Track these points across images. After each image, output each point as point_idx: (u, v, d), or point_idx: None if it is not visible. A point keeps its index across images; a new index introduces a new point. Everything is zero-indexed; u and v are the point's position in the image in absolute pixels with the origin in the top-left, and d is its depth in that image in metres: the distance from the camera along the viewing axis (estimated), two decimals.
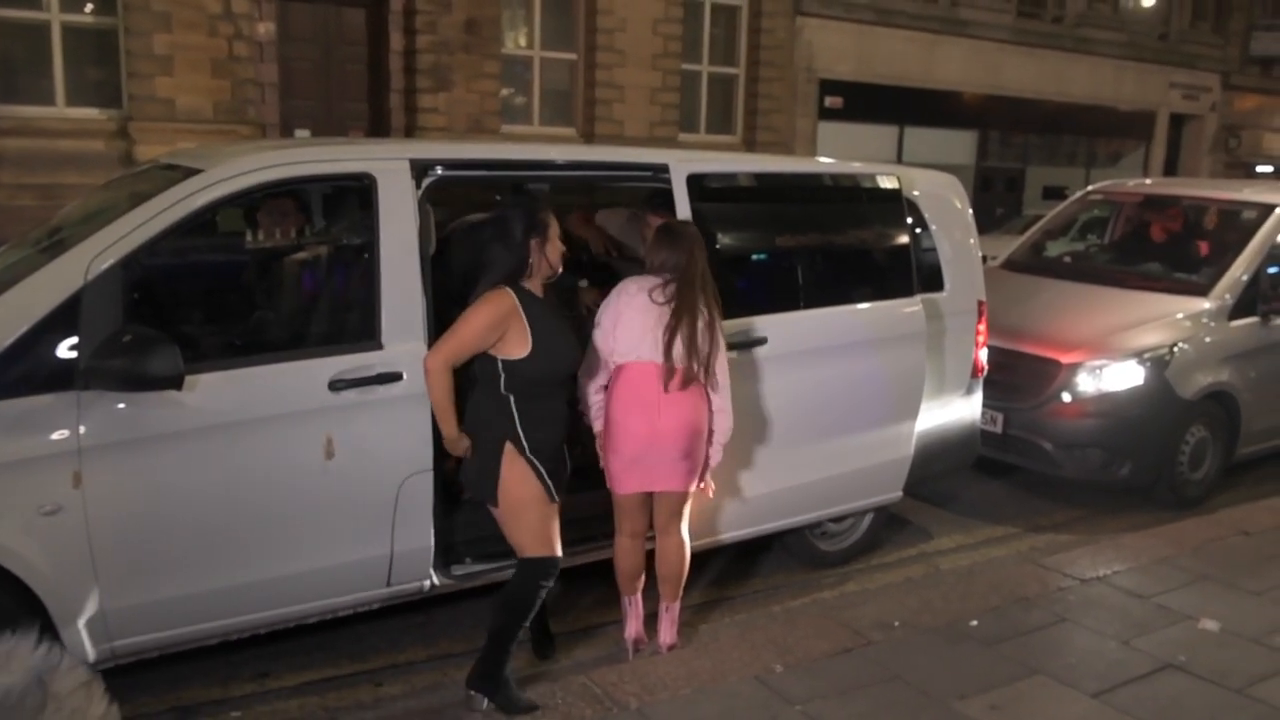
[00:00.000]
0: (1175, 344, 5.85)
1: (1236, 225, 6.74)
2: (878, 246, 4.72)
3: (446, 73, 11.71)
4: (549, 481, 3.41)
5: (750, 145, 14.78)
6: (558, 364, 3.45)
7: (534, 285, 3.44)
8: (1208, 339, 6.01)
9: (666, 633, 3.90)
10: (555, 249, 3.46)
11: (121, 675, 3.20)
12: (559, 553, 3.48)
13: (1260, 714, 3.58)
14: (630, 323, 3.64)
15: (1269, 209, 6.61)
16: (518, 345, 3.32)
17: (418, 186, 3.61)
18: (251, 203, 3.70)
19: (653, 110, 13.57)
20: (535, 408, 3.40)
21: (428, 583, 3.72)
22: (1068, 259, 7.73)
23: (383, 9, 11.54)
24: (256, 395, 3.31)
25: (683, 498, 3.79)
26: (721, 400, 3.74)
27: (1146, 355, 5.77)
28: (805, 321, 4.38)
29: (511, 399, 3.36)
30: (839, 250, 4.64)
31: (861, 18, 15.89)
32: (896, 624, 4.06)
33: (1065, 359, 5.78)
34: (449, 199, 4.34)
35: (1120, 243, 7.58)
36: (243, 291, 4.08)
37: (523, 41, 13.06)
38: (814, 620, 4.12)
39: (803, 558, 4.84)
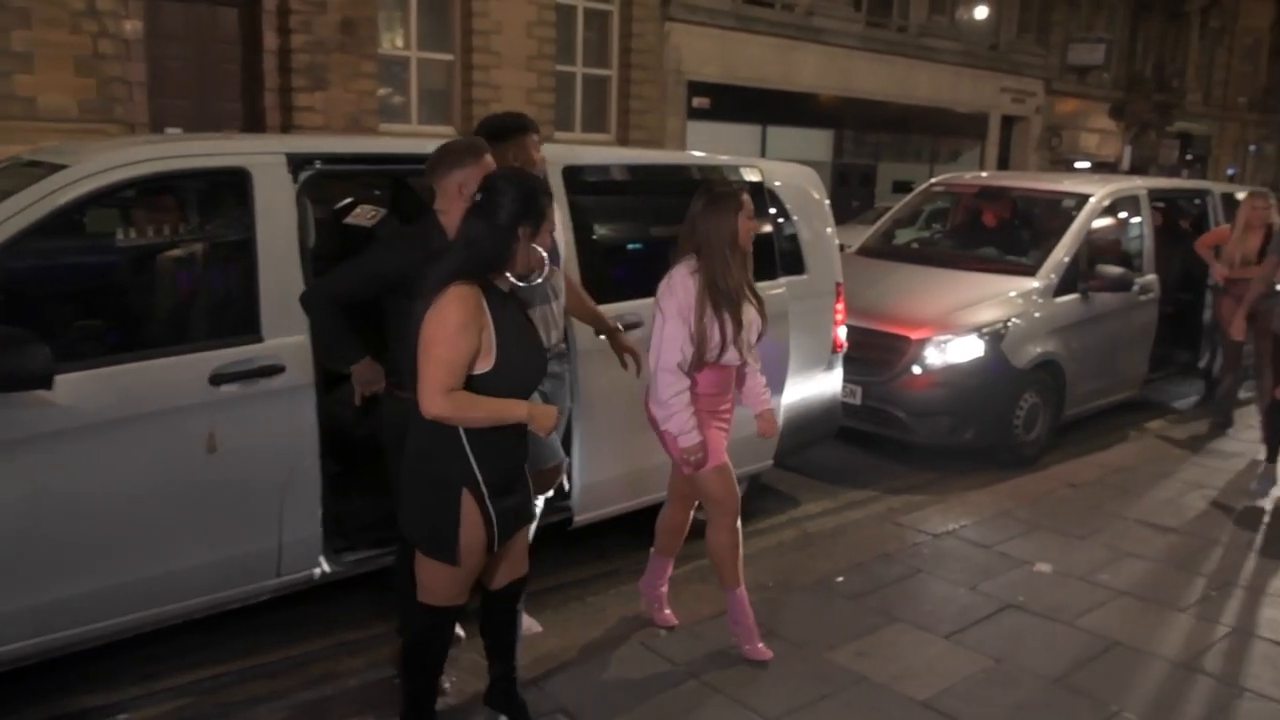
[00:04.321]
0: (1009, 319, 6.13)
1: (1058, 213, 7.10)
2: None
3: (323, 72, 11.33)
4: (496, 528, 2.69)
5: (624, 143, 14.80)
6: (524, 379, 2.73)
7: (503, 281, 2.70)
8: (1036, 314, 6.32)
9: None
10: (545, 243, 2.74)
11: (1, 684, 2.99)
12: (465, 599, 2.85)
13: (1087, 641, 3.81)
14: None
15: (1085, 198, 7.00)
16: (483, 356, 2.58)
17: (295, 180, 3.47)
18: (121, 199, 3.49)
19: (529, 109, 13.33)
20: (493, 436, 2.65)
21: (318, 571, 3.59)
22: (915, 245, 8.02)
23: (256, 8, 11.08)
24: (134, 392, 3.13)
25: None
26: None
27: (985, 330, 6.03)
28: None
29: (462, 427, 2.62)
30: None
31: (725, 24, 16.08)
32: (770, 584, 4.15)
33: (914, 335, 5.99)
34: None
35: (959, 230, 7.89)
36: (117, 289, 3.85)
37: (400, 42, 12.74)
38: (694, 586, 4.17)
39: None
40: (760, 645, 3.57)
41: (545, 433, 2.74)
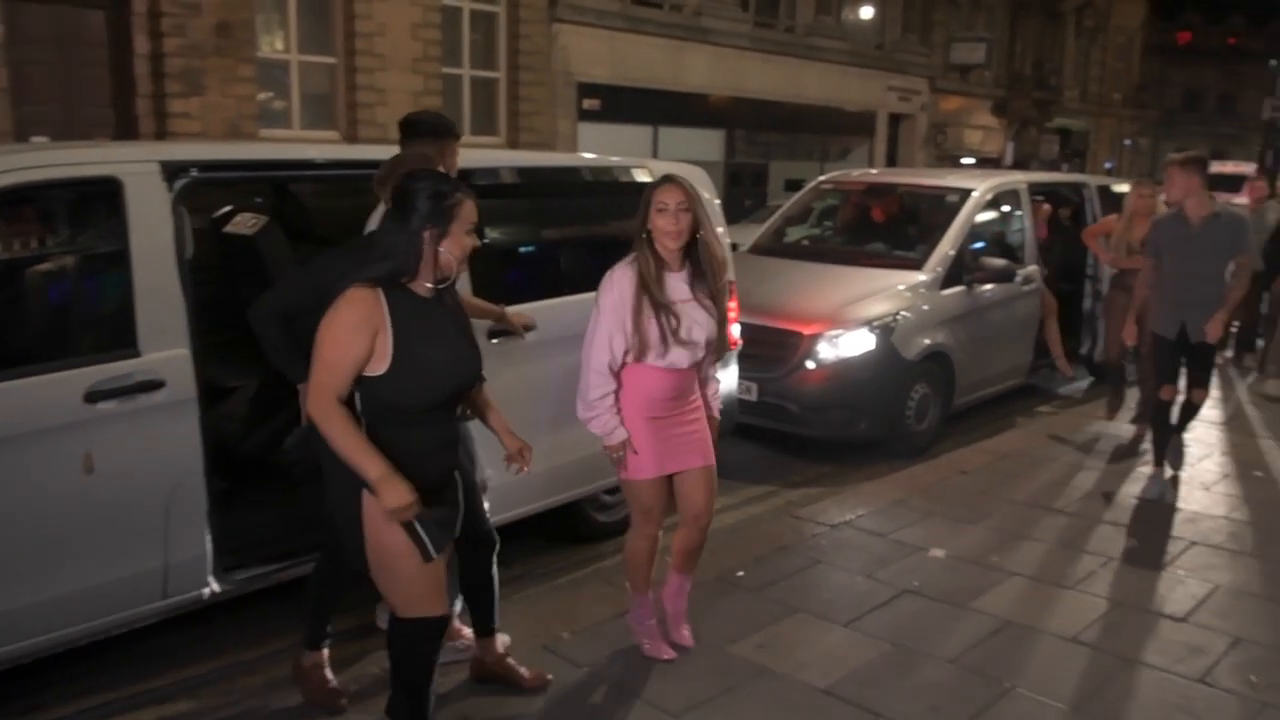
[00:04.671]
0: (898, 312, 6.36)
1: (942, 208, 7.40)
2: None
3: (198, 77, 10.98)
4: (421, 534, 2.59)
5: (514, 146, 14.75)
6: (426, 383, 2.59)
7: (420, 286, 2.63)
8: (924, 306, 6.57)
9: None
10: (459, 245, 2.62)
11: None
12: (442, 609, 2.74)
13: (981, 622, 3.99)
14: None
15: (967, 193, 7.31)
16: (378, 358, 2.54)
17: (170, 189, 3.39)
18: None
19: None
20: (399, 439, 2.58)
21: (208, 590, 3.51)
22: (805, 242, 8.24)
23: (125, 10, 10.67)
24: (3, 413, 3.00)
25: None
26: None
27: (875, 323, 6.25)
28: (571, 306, 4.44)
29: (364, 425, 2.59)
30: (599, 239, 4.74)
31: (613, 24, 16.18)
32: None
33: (807, 330, 6.17)
34: None
35: (849, 226, 8.14)
36: None
37: (279, 45, 12.43)
38: (596, 588, 4.22)
39: (583, 532, 4.91)
40: (664, 644, 3.63)
41: (384, 514, 2.53)
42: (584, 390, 3.38)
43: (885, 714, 3.30)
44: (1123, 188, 8.18)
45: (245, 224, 4.28)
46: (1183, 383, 5.65)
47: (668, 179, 3.32)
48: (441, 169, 3.37)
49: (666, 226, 3.26)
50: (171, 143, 9.04)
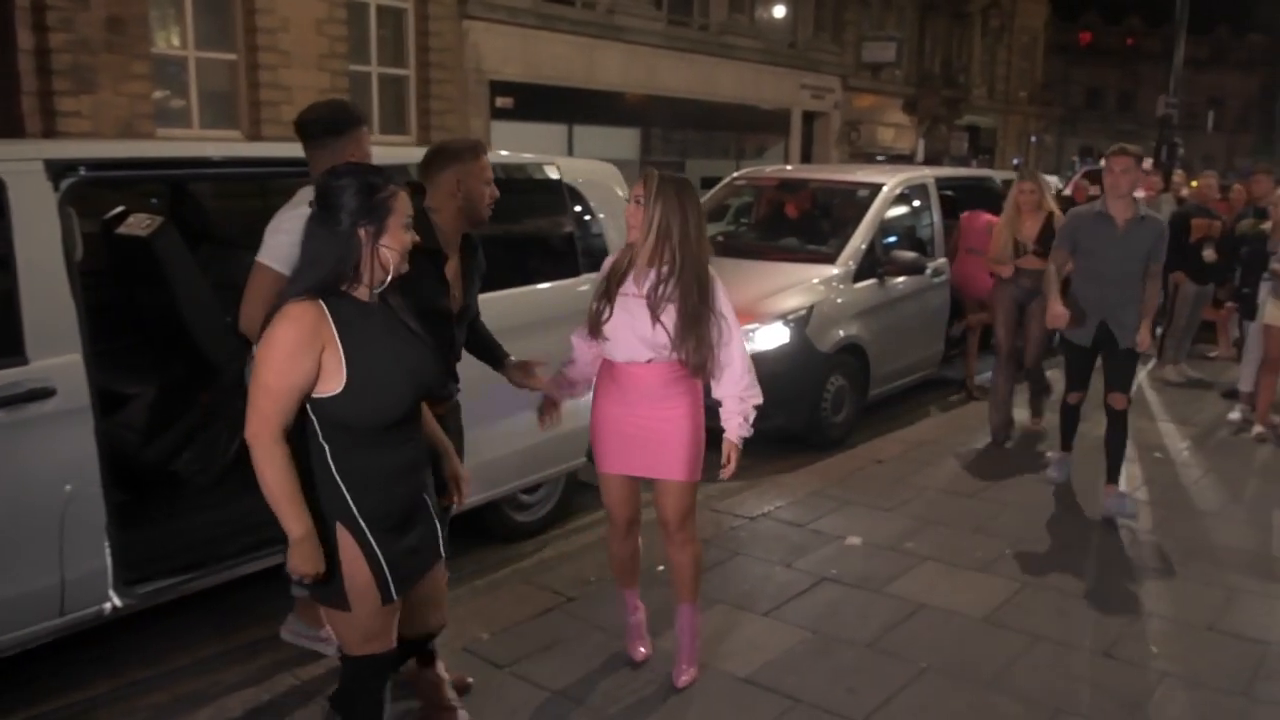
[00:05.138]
0: (812, 305, 6.49)
1: (854, 202, 7.57)
2: (546, 230, 4.88)
3: (89, 74, 10.61)
4: (386, 571, 2.42)
5: (426, 145, 14.54)
6: (387, 397, 2.38)
7: (362, 291, 2.40)
8: (838, 299, 6.72)
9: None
10: (399, 240, 2.41)
11: None
12: (391, 644, 2.58)
13: (896, 606, 4.10)
14: None
15: (878, 188, 7.49)
16: (329, 377, 2.32)
17: (56, 189, 3.28)
18: None
19: None
20: (367, 466, 2.39)
21: (108, 606, 3.41)
22: (720, 238, 8.33)
23: (7, 4, 10.26)
24: None
25: None
26: None
27: (790, 317, 6.36)
28: (489, 304, 4.43)
29: (327, 452, 2.37)
30: (512, 236, 4.73)
31: (525, 22, 16.14)
32: (592, 579, 4.24)
33: None
34: None
35: (763, 221, 8.28)
36: None
37: (175, 41, 12.09)
38: (515, 587, 4.22)
39: (502, 532, 4.90)
40: (637, 643, 3.63)
41: (290, 570, 2.36)
42: None
43: (804, 699, 3.37)
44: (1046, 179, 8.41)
45: (139, 225, 4.17)
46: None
47: (643, 171, 3.24)
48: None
49: (627, 218, 3.25)
50: (57, 141, 8.73)
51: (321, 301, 2.32)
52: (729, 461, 3.29)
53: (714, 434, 3.36)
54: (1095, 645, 3.81)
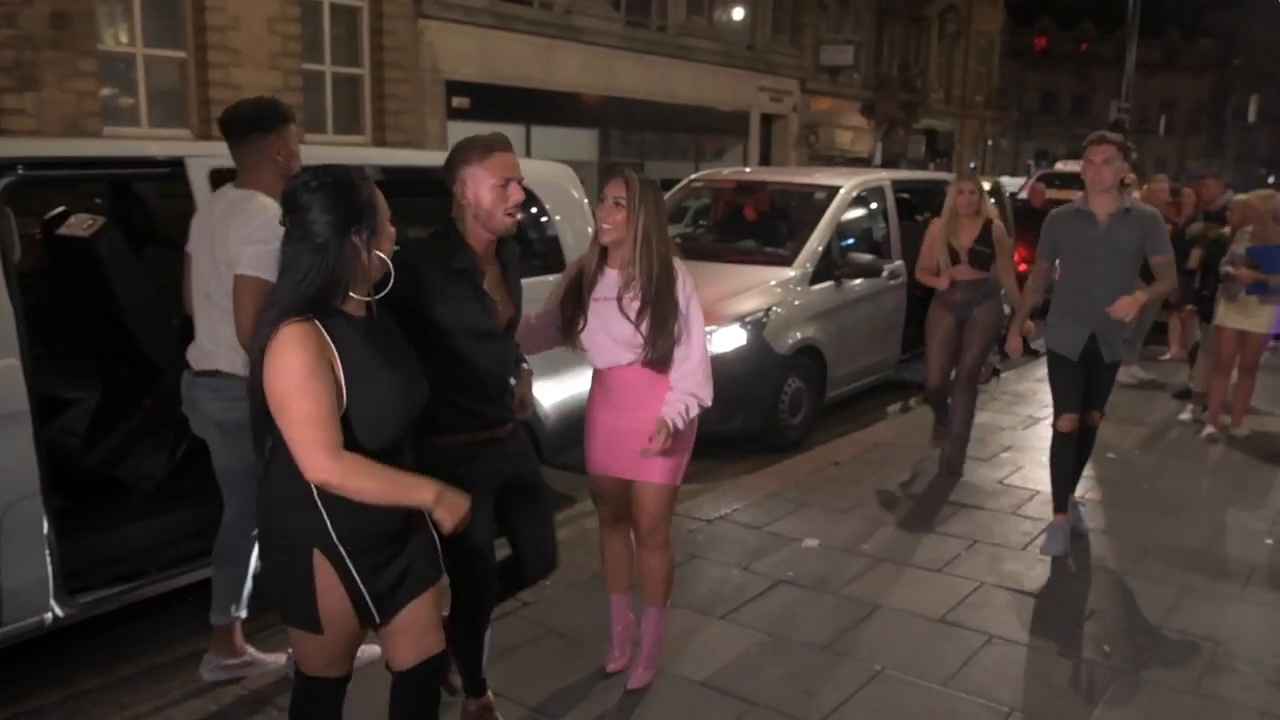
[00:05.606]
0: (770, 308, 6.53)
1: (811, 205, 7.63)
2: None
3: (33, 71, 10.39)
4: (368, 599, 2.29)
5: (381, 145, 14.47)
6: (382, 419, 2.24)
7: (354, 305, 2.25)
8: (795, 302, 6.76)
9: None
10: (389, 239, 2.29)
11: None
12: (349, 670, 2.47)
13: (852, 608, 4.14)
14: None
15: (835, 190, 7.55)
16: None
17: None
18: None
19: None
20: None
21: (49, 616, 3.34)
22: (678, 240, 8.31)
23: None
24: None
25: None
26: None
27: (747, 319, 6.39)
28: None
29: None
30: None
31: (482, 21, 16.07)
32: (549, 583, 4.20)
33: None
34: None
35: (720, 224, 8.31)
36: None
37: (124, 38, 11.88)
38: None
39: None
40: (614, 652, 3.59)
41: (448, 529, 2.30)
42: None
43: (761, 702, 3.38)
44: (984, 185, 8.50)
45: (80, 225, 4.09)
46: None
47: (619, 172, 3.15)
48: (279, 161, 3.20)
49: (601, 219, 3.15)
50: None
51: (316, 321, 2.15)
52: (653, 440, 3.09)
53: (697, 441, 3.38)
54: (1049, 644, 3.87)
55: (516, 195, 2.76)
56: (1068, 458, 4.87)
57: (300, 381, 2.10)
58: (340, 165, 2.30)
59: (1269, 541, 5.05)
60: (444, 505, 2.26)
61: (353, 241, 2.18)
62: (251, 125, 3.18)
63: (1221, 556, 4.83)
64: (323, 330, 2.14)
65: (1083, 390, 4.76)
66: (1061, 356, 4.76)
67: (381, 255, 2.24)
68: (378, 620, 2.35)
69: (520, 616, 3.95)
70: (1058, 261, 4.87)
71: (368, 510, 2.22)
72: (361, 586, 2.27)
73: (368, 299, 2.27)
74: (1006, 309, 6.08)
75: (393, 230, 2.28)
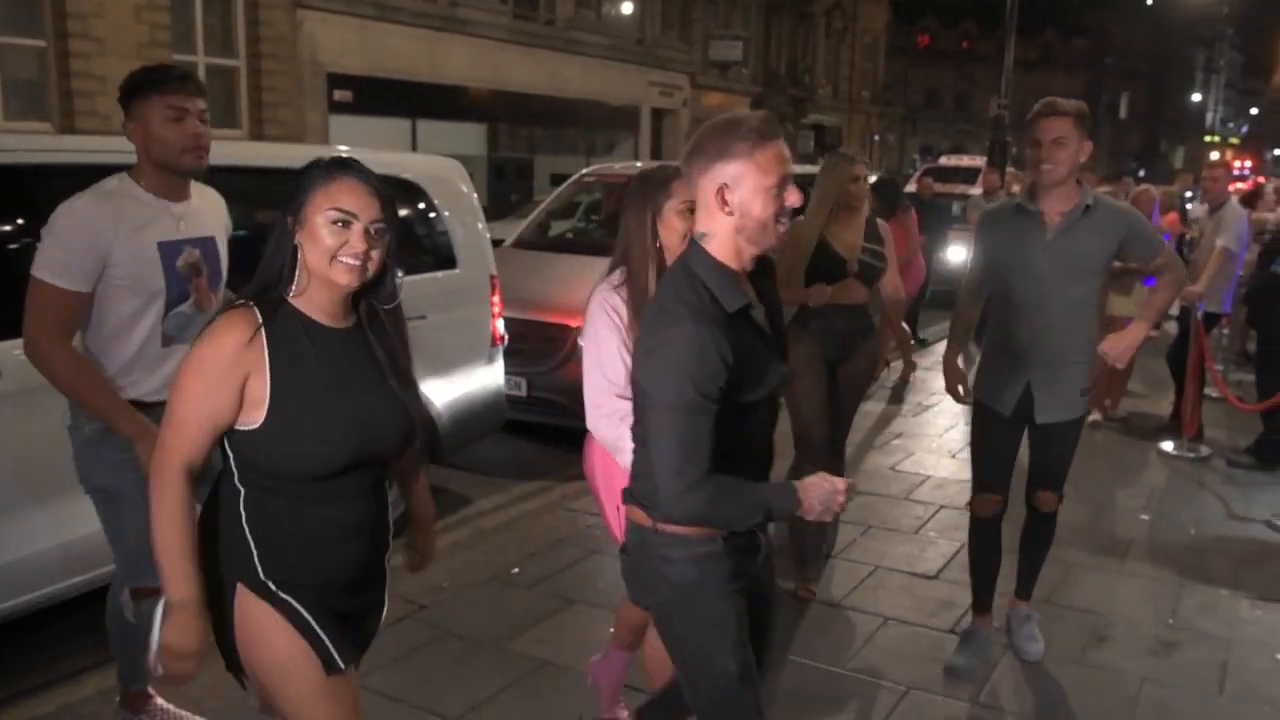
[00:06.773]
0: None
1: None
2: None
3: None
4: (322, 635, 1.96)
5: (259, 139, 14.09)
6: (309, 449, 1.91)
7: (316, 303, 1.95)
8: None
9: None
10: (321, 241, 1.94)
11: None
12: None
13: None
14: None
15: None
16: (252, 406, 1.90)
17: None
18: None
19: None
20: (284, 513, 1.95)
21: None
22: (569, 235, 8.37)
23: None
24: None
25: None
26: None
27: None
28: None
29: (241, 497, 1.96)
30: None
31: (363, 13, 15.79)
32: (445, 585, 4.19)
33: (574, 323, 6.24)
34: None
35: (613, 218, 8.33)
36: None
37: None
38: None
39: None
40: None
41: (165, 648, 1.92)
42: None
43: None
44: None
45: None
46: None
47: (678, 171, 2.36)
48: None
49: (686, 229, 2.45)
50: None
51: (258, 311, 1.90)
52: None
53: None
54: (941, 624, 4.01)
55: (794, 199, 2.00)
56: (989, 550, 3.74)
57: (186, 379, 1.89)
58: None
59: (1145, 517, 5.35)
60: (175, 619, 1.90)
61: (285, 224, 1.92)
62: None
63: (1103, 533, 5.09)
64: (258, 327, 1.89)
65: (1013, 457, 3.62)
66: (991, 409, 3.56)
67: (352, 261, 1.90)
68: (339, 665, 1.99)
69: (417, 621, 3.90)
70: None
71: (301, 550, 1.95)
72: (312, 622, 1.97)
73: (359, 309, 2.01)
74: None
75: (331, 239, 1.89)
